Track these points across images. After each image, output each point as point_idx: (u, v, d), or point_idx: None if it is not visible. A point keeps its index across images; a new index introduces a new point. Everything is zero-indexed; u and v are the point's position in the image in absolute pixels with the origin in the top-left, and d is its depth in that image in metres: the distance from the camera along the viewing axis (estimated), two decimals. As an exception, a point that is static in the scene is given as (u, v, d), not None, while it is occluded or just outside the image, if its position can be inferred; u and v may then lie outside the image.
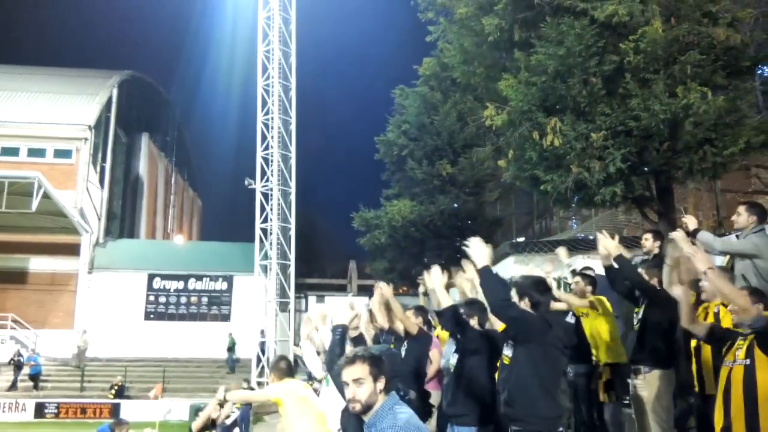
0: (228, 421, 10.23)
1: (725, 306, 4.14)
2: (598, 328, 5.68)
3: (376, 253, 23.89)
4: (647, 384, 5.06)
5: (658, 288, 5.04)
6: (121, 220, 36.13)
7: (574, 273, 6.57)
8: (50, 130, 29.65)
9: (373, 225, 22.92)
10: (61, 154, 29.76)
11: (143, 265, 30.24)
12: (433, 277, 4.18)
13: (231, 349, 27.51)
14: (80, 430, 19.69)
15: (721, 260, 5.23)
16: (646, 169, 8.79)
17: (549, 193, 9.32)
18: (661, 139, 8.55)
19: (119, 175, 35.41)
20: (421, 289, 5.76)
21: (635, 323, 5.30)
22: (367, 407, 2.73)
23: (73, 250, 28.96)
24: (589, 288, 5.83)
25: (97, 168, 31.37)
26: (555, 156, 9.00)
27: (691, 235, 4.83)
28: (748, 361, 3.52)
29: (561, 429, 3.70)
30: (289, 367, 5.03)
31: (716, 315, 4.30)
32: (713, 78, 8.31)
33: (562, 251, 6.40)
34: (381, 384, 2.76)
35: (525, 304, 3.80)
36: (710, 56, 8.20)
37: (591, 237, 12.89)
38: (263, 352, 25.25)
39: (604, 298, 5.80)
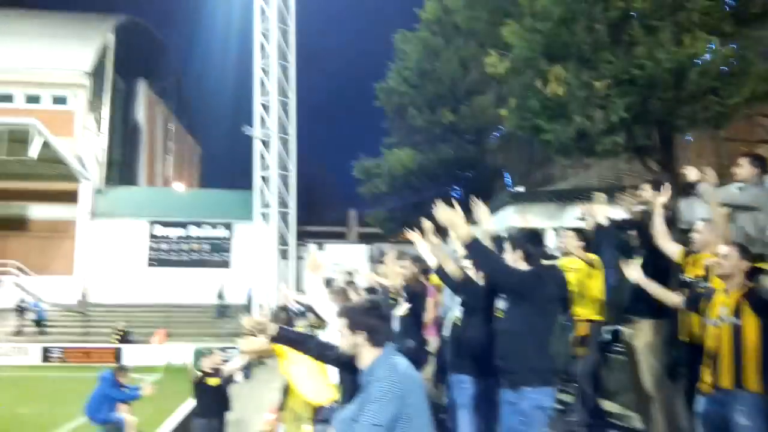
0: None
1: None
2: (587, 284, 5.64)
3: (375, 202, 23.94)
4: (641, 333, 5.14)
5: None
6: (121, 168, 36.02)
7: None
8: (46, 75, 29.22)
9: (373, 174, 22.88)
10: (58, 100, 29.43)
11: (144, 212, 30.32)
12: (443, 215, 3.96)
13: (221, 296, 27.87)
14: (85, 373, 20.12)
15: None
16: (648, 118, 8.67)
17: (551, 143, 9.24)
18: (665, 89, 8.42)
19: (117, 121, 35.08)
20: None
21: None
22: (354, 356, 2.88)
23: (73, 197, 28.98)
24: (581, 243, 5.78)
25: (95, 115, 31.06)
26: (557, 105, 8.89)
27: (692, 186, 4.79)
28: (736, 320, 3.55)
29: (555, 379, 3.75)
30: (289, 318, 5.06)
31: (707, 268, 4.28)
32: (721, 26, 8.11)
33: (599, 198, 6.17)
34: (360, 336, 2.84)
35: (519, 256, 3.80)
36: (718, 3, 7.99)
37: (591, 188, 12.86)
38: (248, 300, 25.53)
39: (595, 257, 5.77)
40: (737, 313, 3.58)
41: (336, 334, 3.90)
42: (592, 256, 5.69)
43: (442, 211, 3.73)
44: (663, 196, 4.75)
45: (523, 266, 3.80)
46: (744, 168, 4.76)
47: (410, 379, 2.78)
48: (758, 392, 3.48)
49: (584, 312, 5.60)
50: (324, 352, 3.61)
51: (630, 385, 5.73)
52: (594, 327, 5.64)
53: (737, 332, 3.56)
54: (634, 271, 4.37)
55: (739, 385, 3.52)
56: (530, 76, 9.03)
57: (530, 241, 3.86)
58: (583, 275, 5.60)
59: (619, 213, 6.06)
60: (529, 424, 3.61)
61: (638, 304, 5.15)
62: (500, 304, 3.87)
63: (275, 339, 3.64)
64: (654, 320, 5.06)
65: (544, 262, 4.08)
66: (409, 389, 2.72)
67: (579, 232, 5.98)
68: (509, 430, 3.64)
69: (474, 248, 3.67)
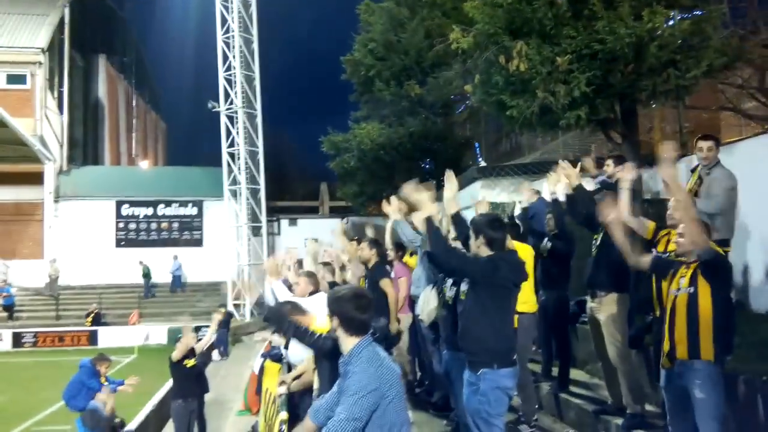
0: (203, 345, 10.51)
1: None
2: None
3: (346, 177, 23.85)
4: (603, 307, 5.33)
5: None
6: (84, 147, 35.21)
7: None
8: (0, 55, 28.25)
9: (342, 148, 22.77)
10: (14, 79, 28.50)
11: (110, 192, 29.84)
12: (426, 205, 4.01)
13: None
14: (59, 357, 20.00)
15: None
16: (610, 92, 8.81)
17: (514, 119, 9.34)
18: (626, 62, 8.55)
19: (78, 99, 34.15)
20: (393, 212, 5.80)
21: (593, 249, 5.49)
22: (336, 340, 2.98)
23: (37, 179, 28.33)
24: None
25: (55, 93, 30.20)
26: (521, 81, 8.96)
27: (654, 157, 4.94)
28: (691, 289, 3.72)
29: (515, 358, 3.91)
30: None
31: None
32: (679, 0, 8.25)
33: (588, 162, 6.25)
34: (334, 322, 2.93)
35: (481, 242, 3.91)
36: (677, -24, 8.11)
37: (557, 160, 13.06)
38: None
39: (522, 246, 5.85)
40: (694, 282, 3.74)
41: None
42: (524, 246, 5.81)
43: (409, 191, 3.81)
44: (628, 175, 4.87)
45: (486, 252, 3.91)
46: (705, 152, 4.94)
47: (388, 371, 2.83)
48: (712, 361, 3.66)
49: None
50: (302, 336, 3.69)
51: (596, 356, 5.98)
52: (524, 319, 5.64)
53: (692, 301, 3.71)
54: (614, 211, 4.34)
55: (695, 355, 3.70)
56: (493, 52, 9.06)
57: (491, 227, 3.94)
58: None
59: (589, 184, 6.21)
60: (489, 404, 3.72)
61: (601, 277, 5.33)
62: (463, 286, 4.00)
63: (256, 305, 3.70)
64: (617, 293, 5.25)
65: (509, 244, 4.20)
66: (387, 381, 2.77)
67: (511, 222, 6.12)
68: (471, 411, 3.79)
69: (433, 232, 3.77)
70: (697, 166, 5.24)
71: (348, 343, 2.88)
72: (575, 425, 5.91)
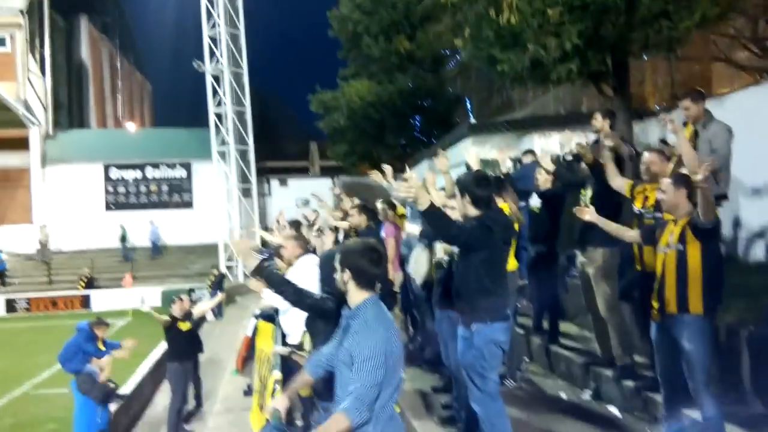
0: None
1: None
2: None
3: (335, 136, 23.66)
4: (593, 261, 5.36)
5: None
6: (69, 110, 34.63)
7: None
8: (-22, 17, 27.50)
9: (331, 107, 22.52)
10: (-6, 43, 27.84)
11: (98, 156, 29.51)
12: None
13: (123, 239, 27.49)
14: (53, 321, 20.06)
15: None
16: (601, 44, 8.66)
17: (505, 73, 9.20)
18: (618, 14, 8.38)
19: (61, 62, 33.41)
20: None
21: (582, 205, 5.48)
22: (342, 294, 2.92)
23: (23, 144, 27.95)
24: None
25: (37, 56, 29.52)
26: (511, 34, 8.78)
27: (646, 111, 4.92)
28: (681, 246, 3.74)
29: (508, 313, 3.96)
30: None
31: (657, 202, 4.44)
32: (671, -53, 8.04)
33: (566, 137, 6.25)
34: (346, 275, 2.88)
35: (467, 201, 3.88)
36: None
37: (549, 114, 12.95)
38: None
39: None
40: (683, 240, 3.76)
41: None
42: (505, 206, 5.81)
43: (404, 186, 3.69)
44: (609, 140, 4.88)
45: (472, 211, 3.89)
46: (692, 109, 4.87)
47: (394, 330, 2.83)
48: (700, 315, 3.70)
49: None
50: (301, 298, 3.66)
51: (586, 309, 6.04)
52: (509, 276, 5.75)
53: (681, 258, 3.74)
54: (588, 214, 4.49)
55: (684, 309, 3.73)
56: (483, 5, 8.85)
57: (477, 184, 3.90)
58: None
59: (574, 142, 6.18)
60: (484, 358, 3.78)
61: (591, 232, 5.33)
62: (455, 247, 4.00)
63: (256, 272, 3.58)
64: (606, 248, 5.27)
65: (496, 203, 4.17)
66: (393, 341, 2.77)
67: (497, 180, 6.09)
68: (466, 366, 3.83)
69: (430, 216, 3.69)
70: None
71: (357, 297, 2.86)
72: (565, 377, 6.00)
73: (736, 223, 6.27)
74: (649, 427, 4.53)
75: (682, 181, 3.89)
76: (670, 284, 3.77)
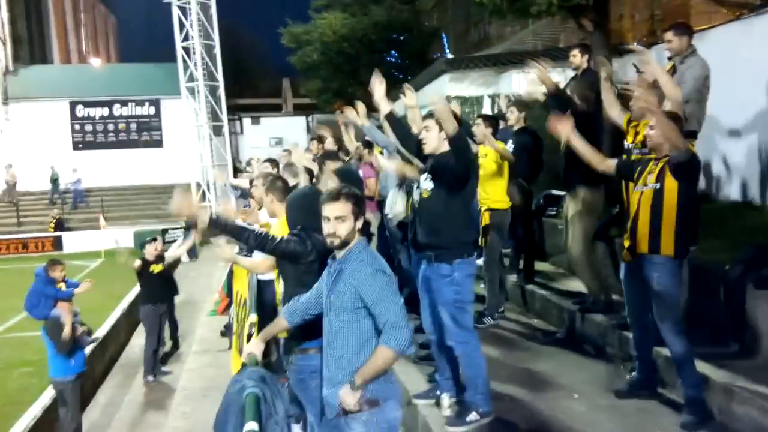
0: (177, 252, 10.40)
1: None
2: (491, 172, 5.64)
3: (309, 72, 23.03)
4: (574, 201, 5.33)
5: (583, 109, 5.03)
6: (30, 45, 33.18)
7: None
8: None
9: (303, 41, 21.80)
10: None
11: (63, 92, 28.50)
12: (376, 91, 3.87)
13: (54, 181, 26.60)
14: (24, 264, 19.77)
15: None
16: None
17: (484, 5, 8.90)
18: (600, -56, 8.10)
19: (17, -8, 31.75)
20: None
21: (563, 145, 5.39)
22: (344, 244, 2.81)
23: (-19, 80, 26.84)
24: (489, 131, 5.71)
25: (-10, -14, 27.99)
26: (491, -36, 8.47)
27: (625, 48, 4.74)
28: (658, 185, 3.67)
29: (476, 248, 4.03)
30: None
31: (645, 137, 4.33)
32: None
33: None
34: (360, 223, 2.83)
35: (442, 136, 3.81)
36: None
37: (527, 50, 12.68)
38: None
39: (503, 145, 5.73)
40: (661, 178, 3.69)
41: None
42: (500, 144, 5.68)
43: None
44: (606, 71, 4.69)
45: (446, 146, 3.81)
46: (674, 42, 4.71)
47: (387, 267, 2.85)
48: (671, 256, 3.68)
49: (487, 201, 5.67)
50: (262, 243, 3.55)
51: (563, 248, 6.05)
52: (496, 215, 5.72)
53: (657, 197, 3.68)
54: (565, 127, 4.12)
55: (655, 249, 3.70)
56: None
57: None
58: (488, 162, 5.60)
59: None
60: (464, 292, 3.85)
61: (572, 173, 5.27)
62: (425, 184, 3.91)
63: (211, 226, 3.50)
64: (588, 188, 5.22)
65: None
66: (391, 273, 2.83)
67: (488, 118, 5.92)
68: (446, 302, 3.83)
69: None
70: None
71: (351, 242, 2.84)
72: (540, 315, 6.07)
73: (713, 162, 6.26)
74: (623, 364, 4.61)
75: (672, 119, 3.81)
76: (644, 223, 3.72)
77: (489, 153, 5.58)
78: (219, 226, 3.53)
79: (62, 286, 8.21)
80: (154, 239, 9.38)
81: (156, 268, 8.80)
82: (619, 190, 4.78)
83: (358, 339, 2.77)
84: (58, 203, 26.06)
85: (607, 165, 4.12)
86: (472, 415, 3.81)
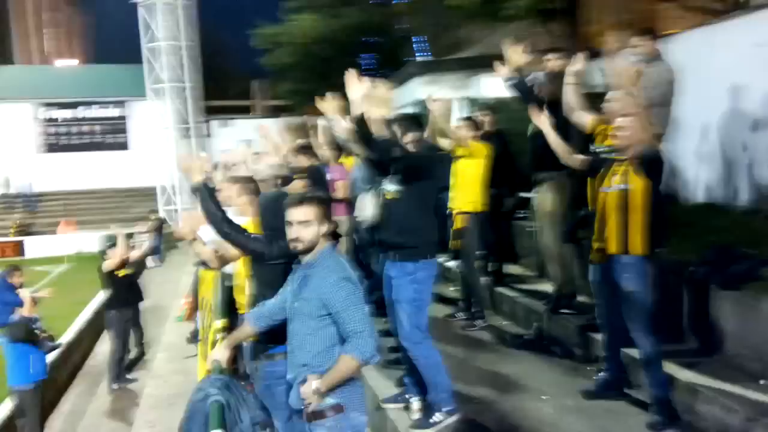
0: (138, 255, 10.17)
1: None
2: (469, 174, 5.68)
3: (280, 74, 22.86)
4: (543, 194, 5.40)
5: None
6: (-10, 44, 32.35)
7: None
8: None
9: (275, 43, 21.63)
10: None
11: (26, 93, 27.89)
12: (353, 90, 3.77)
13: (6, 185, 26.22)
14: (-15, 269, 19.23)
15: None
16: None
17: (458, 8, 8.94)
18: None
19: (-23, -9, 30.95)
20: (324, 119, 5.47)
21: (528, 135, 5.45)
22: (309, 249, 2.77)
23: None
24: (470, 134, 5.73)
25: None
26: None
27: (597, 51, 4.76)
28: (623, 186, 3.70)
29: (439, 249, 4.09)
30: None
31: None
32: None
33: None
34: (325, 227, 2.77)
35: (409, 140, 3.86)
36: None
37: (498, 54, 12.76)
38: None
39: (484, 147, 5.76)
40: (626, 180, 3.71)
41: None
42: (482, 146, 5.69)
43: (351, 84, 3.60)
44: (576, 65, 4.65)
45: (411, 147, 3.84)
46: (641, 47, 4.76)
47: (353, 273, 2.82)
48: (641, 255, 3.70)
49: (462, 204, 5.68)
50: (228, 230, 3.46)
51: (532, 249, 6.07)
52: (472, 219, 5.71)
53: (624, 197, 3.70)
54: (543, 118, 4.27)
55: (624, 250, 3.72)
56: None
57: (414, 123, 3.96)
58: (464, 165, 5.60)
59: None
60: (424, 291, 3.87)
61: (540, 165, 5.32)
62: (391, 186, 3.90)
63: (198, 188, 3.42)
64: (556, 182, 5.26)
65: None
66: (357, 280, 2.79)
67: (470, 120, 5.95)
68: (406, 300, 3.82)
69: (360, 129, 3.68)
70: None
71: (319, 246, 2.80)
72: (509, 317, 6.08)
73: (679, 164, 6.34)
74: (591, 365, 4.63)
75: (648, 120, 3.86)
76: (611, 225, 3.75)
77: (465, 155, 5.58)
78: (206, 193, 3.42)
79: (23, 293, 7.98)
80: (114, 244, 9.16)
81: (120, 273, 8.62)
82: (583, 193, 4.83)
83: (321, 346, 2.73)
84: (18, 208, 25.38)
85: (574, 159, 4.18)
86: (436, 416, 3.79)
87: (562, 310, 5.34)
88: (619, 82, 4.08)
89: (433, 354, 3.85)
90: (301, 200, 2.78)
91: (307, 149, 6.00)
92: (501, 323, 6.03)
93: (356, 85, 3.66)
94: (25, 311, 7.22)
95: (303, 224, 2.74)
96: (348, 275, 2.73)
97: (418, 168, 3.86)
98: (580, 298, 5.59)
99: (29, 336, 6.69)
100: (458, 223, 5.68)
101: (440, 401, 3.81)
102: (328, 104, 4.08)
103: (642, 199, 3.66)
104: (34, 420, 6.84)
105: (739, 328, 3.98)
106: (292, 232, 2.76)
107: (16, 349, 6.70)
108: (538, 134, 4.99)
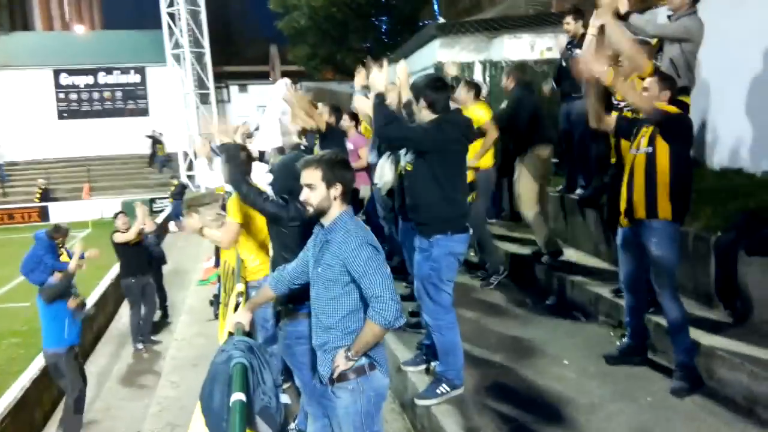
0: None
1: (642, 79, 4.09)
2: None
3: (296, 38, 22.58)
4: (522, 163, 5.67)
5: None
6: (11, 11, 32.34)
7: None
8: None
9: (291, 6, 21.34)
10: None
11: (46, 60, 27.92)
12: (377, 80, 3.69)
13: None
14: (10, 234, 19.60)
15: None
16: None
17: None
18: None
19: (-5, -45, 30.85)
20: (357, 84, 5.39)
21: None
22: (320, 212, 2.74)
23: (-39, 47, 26.21)
24: (471, 94, 5.75)
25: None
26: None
27: (623, 18, 4.57)
28: (650, 149, 3.62)
29: (467, 224, 3.83)
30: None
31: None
32: None
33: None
34: (335, 190, 2.71)
35: (422, 105, 3.69)
36: None
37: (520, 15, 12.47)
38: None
39: (486, 108, 5.80)
40: (653, 142, 3.64)
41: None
42: (484, 107, 5.70)
43: (376, 75, 3.55)
44: (597, 21, 4.50)
45: (428, 115, 3.70)
46: (674, 1, 4.59)
47: (371, 237, 2.77)
48: (669, 219, 3.65)
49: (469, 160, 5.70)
50: (255, 195, 3.50)
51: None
52: (481, 174, 5.80)
53: (650, 161, 3.63)
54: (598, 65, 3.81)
55: (652, 214, 3.66)
56: None
57: (432, 87, 3.70)
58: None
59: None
60: (441, 269, 3.70)
61: (530, 134, 5.56)
62: (407, 157, 3.82)
63: (225, 148, 3.58)
64: (541, 146, 5.55)
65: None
66: (377, 243, 2.75)
67: (470, 83, 5.94)
68: (422, 277, 3.76)
69: (377, 107, 3.58)
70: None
71: (336, 211, 2.75)
72: (529, 283, 6.04)
73: (703, 128, 6.18)
74: (613, 331, 4.60)
75: (667, 81, 3.75)
76: (639, 188, 3.68)
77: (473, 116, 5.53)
78: (231, 149, 3.62)
79: (64, 254, 8.01)
80: (122, 212, 9.22)
81: (131, 242, 8.71)
82: (606, 155, 4.76)
83: (346, 310, 2.73)
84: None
85: (606, 121, 4.11)
86: (442, 388, 3.79)
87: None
88: (622, 47, 4.00)
89: (451, 335, 3.77)
90: (307, 163, 2.76)
91: (337, 110, 6.03)
92: (520, 289, 6.00)
93: (379, 74, 3.60)
94: (71, 267, 7.17)
95: (309, 187, 2.73)
96: (369, 239, 2.70)
97: (422, 143, 3.68)
98: (602, 264, 5.57)
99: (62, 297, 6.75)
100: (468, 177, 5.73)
101: (447, 375, 3.81)
102: (379, 76, 3.80)
103: (668, 163, 3.59)
104: (73, 379, 6.84)
105: (766, 294, 3.91)
106: (302, 195, 2.77)
107: (50, 310, 6.76)
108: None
